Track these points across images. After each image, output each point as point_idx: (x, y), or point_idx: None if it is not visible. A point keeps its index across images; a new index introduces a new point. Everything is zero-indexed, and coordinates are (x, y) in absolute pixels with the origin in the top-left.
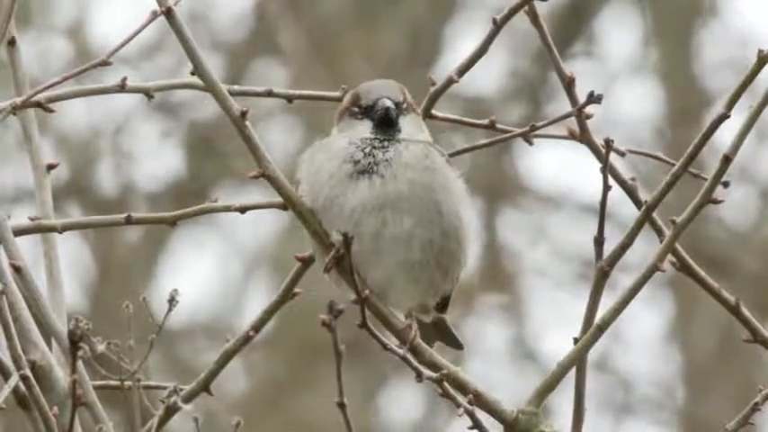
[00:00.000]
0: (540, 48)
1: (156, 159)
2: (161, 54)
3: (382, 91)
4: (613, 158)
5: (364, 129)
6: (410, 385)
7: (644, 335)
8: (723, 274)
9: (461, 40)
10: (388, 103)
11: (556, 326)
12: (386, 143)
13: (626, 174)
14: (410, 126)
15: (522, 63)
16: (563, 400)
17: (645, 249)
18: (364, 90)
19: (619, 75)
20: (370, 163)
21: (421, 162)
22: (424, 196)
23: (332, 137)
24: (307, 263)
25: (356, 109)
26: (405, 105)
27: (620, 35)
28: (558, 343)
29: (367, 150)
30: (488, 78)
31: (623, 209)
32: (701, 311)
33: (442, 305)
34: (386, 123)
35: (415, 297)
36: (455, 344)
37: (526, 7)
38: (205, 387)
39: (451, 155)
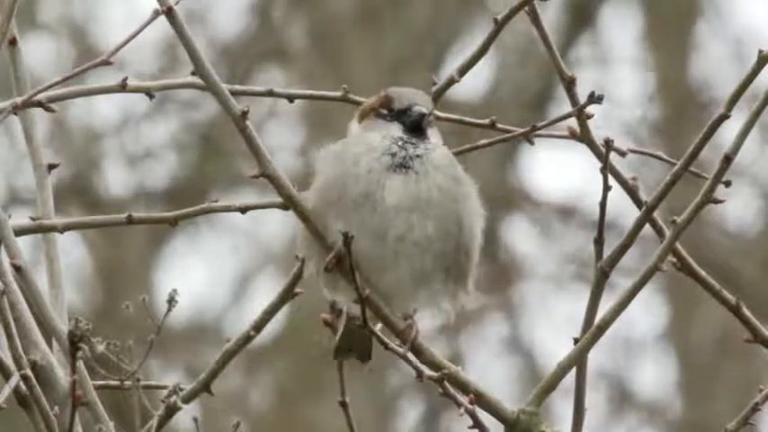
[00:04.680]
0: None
1: (158, 159)
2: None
3: (416, 98)
4: (615, 159)
5: (395, 130)
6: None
7: (644, 335)
8: (725, 281)
9: (467, 42)
10: (424, 110)
11: (556, 327)
12: (416, 141)
13: (631, 174)
14: (435, 137)
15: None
16: (563, 401)
17: (640, 251)
18: (397, 94)
19: (619, 74)
20: (404, 157)
21: (449, 168)
22: (449, 206)
23: (357, 133)
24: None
25: (386, 111)
26: (431, 117)
27: (621, 33)
28: (557, 344)
29: (401, 144)
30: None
31: (625, 220)
32: (699, 312)
33: None
34: (417, 129)
35: (419, 301)
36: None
37: (527, 7)
38: (206, 387)
39: (453, 154)
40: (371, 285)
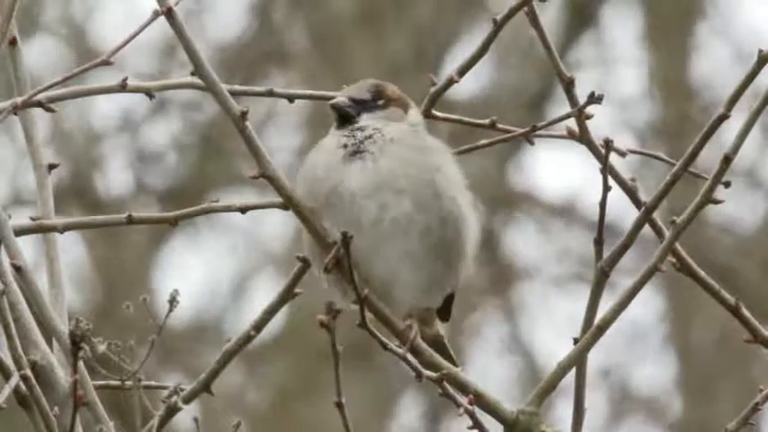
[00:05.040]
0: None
1: (159, 160)
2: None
3: (348, 92)
4: (614, 160)
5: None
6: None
7: (643, 336)
8: (725, 282)
9: (467, 42)
10: (336, 101)
11: (556, 327)
12: (362, 126)
13: (630, 175)
14: (380, 119)
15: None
16: (564, 401)
17: (641, 251)
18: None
19: (620, 74)
20: (355, 143)
21: (410, 140)
22: (419, 177)
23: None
24: (308, 263)
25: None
26: (380, 102)
27: (621, 33)
28: (557, 344)
29: (347, 134)
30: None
31: (625, 220)
32: (699, 312)
33: (445, 309)
34: (344, 118)
35: (418, 293)
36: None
37: (525, 8)
38: (206, 387)
39: (453, 155)
40: (371, 284)
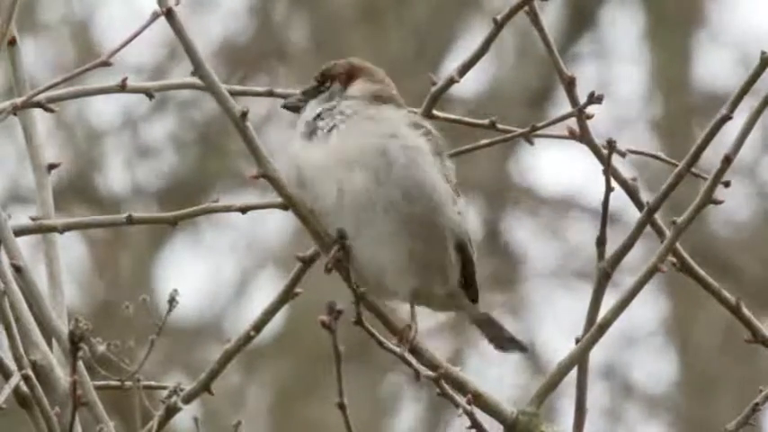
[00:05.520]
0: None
1: (158, 159)
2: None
3: (302, 87)
4: (614, 159)
5: None
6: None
7: (644, 335)
8: (727, 276)
9: (468, 42)
10: (284, 102)
11: (557, 325)
12: (316, 112)
13: (630, 173)
14: (325, 101)
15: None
16: (564, 402)
17: (642, 251)
18: None
19: (621, 73)
20: (309, 125)
21: (359, 111)
22: (368, 145)
23: None
24: (308, 263)
25: None
26: (327, 84)
27: (623, 32)
28: (558, 343)
29: (303, 123)
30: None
31: (625, 214)
32: (701, 312)
33: (469, 290)
34: (294, 111)
35: (409, 277)
36: (513, 344)
37: (526, 7)
38: (206, 387)
39: (452, 155)
40: (366, 276)
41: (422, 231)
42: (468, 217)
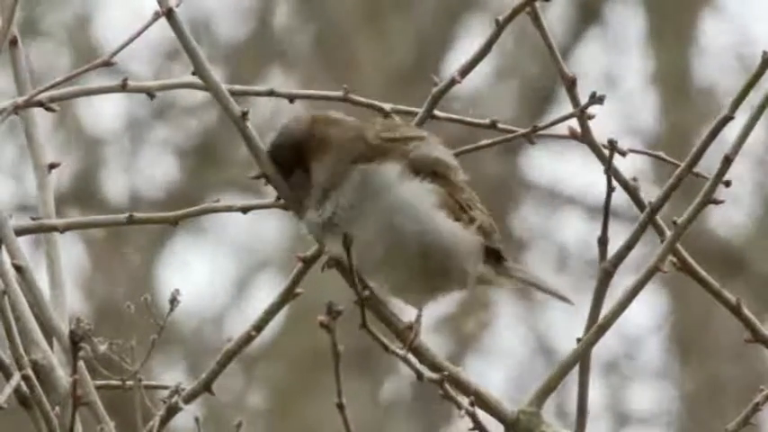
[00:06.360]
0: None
1: (158, 165)
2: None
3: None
4: (615, 158)
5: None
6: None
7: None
8: (731, 274)
9: (470, 45)
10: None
11: (558, 325)
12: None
13: (633, 172)
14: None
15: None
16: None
17: (642, 251)
18: None
19: (624, 72)
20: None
21: (350, 193)
22: (378, 228)
23: None
24: (308, 263)
25: None
26: (299, 158)
27: (625, 31)
28: (559, 343)
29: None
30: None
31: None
32: (702, 312)
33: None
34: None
35: (420, 283)
36: (556, 297)
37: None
38: (207, 387)
39: (454, 155)
40: (376, 281)
41: (437, 271)
42: (483, 218)
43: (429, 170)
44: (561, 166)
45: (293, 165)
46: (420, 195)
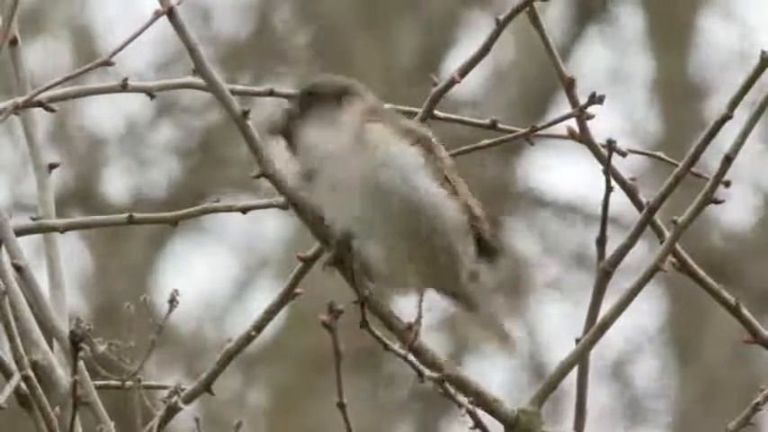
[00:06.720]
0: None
1: (158, 166)
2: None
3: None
4: (615, 159)
5: None
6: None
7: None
8: (728, 280)
9: (473, 45)
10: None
11: (558, 326)
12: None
13: (631, 173)
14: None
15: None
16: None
17: (642, 251)
18: None
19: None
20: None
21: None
22: (363, 186)
23: None
24: (309, 263)
25: None
26: (302, 109)
27: (625, 31)
28: (559, 343)
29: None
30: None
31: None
32: (702, 312)
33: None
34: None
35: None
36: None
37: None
38: (207, 387)
39: (453, 155)
40: (376, 278)
41: (423, 245)
42: (472, 201)
43: (415, 139)
44: (559, 171)
45: (328, 99)
46: (408, 156)
